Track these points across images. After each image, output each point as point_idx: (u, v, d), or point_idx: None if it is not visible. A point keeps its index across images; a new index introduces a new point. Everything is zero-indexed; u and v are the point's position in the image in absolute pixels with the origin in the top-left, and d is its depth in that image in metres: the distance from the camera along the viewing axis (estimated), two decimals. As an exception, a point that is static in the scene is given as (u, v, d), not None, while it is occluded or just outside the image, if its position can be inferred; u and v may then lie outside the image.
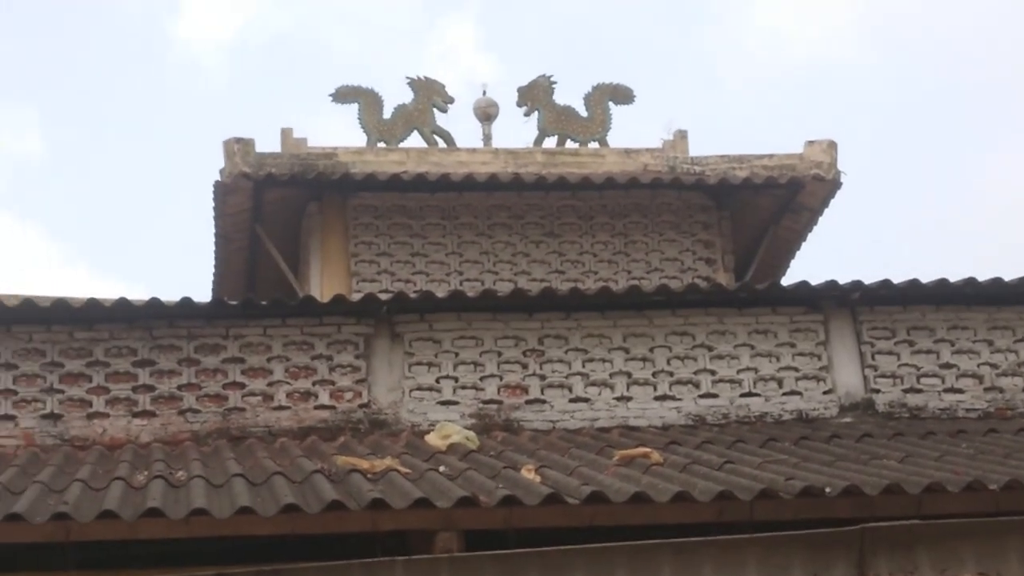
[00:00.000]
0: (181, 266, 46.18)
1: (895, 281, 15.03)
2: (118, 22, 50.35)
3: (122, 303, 14.10)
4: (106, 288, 47.72)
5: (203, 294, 20.10)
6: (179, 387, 14.13)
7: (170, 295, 14.33)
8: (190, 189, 50.81)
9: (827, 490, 10.78)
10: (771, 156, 19.11)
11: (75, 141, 50.64)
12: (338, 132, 38.89)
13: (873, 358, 15.12)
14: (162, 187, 50.39)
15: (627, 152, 19.61)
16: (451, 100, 19.94)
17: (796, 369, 15.00)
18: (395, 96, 19.77)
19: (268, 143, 18.61)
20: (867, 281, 15.03)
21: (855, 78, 50.99)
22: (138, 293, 17.11)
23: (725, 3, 51.22)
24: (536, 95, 20.04)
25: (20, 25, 50.87)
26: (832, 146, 19.02)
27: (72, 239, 50.98)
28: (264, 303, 14.49)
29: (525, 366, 14.70)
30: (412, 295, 15.22)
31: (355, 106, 19.64)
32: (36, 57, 50.85)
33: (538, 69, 21.00)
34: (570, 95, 20.16)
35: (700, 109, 44.66)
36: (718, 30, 51.16)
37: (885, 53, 51.39)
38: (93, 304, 14.11)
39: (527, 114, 20.01)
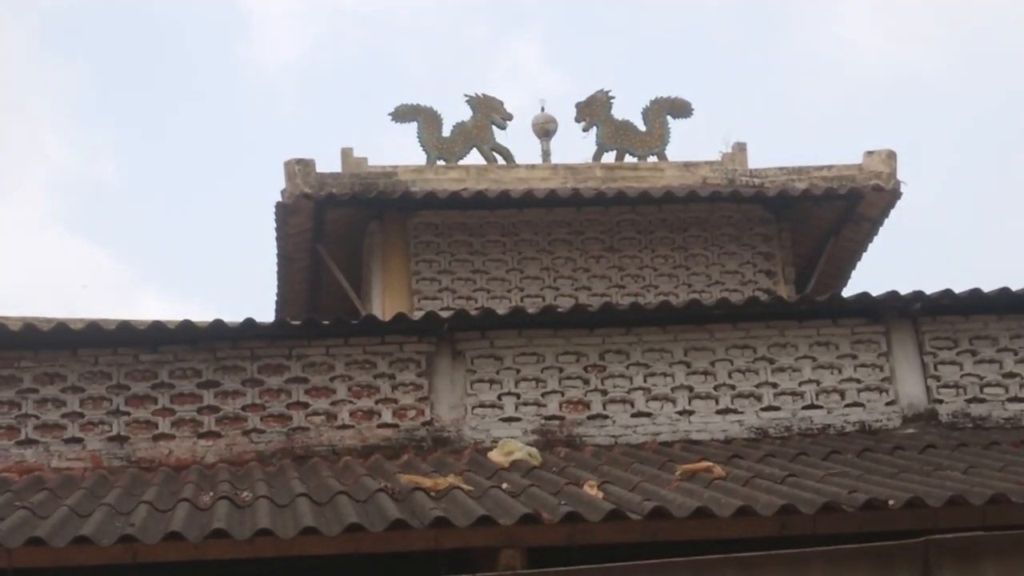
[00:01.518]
0: (250, 286, 46.59)
1: (957, 291, 14.97)
2: (188, 45, 50.88)
3: (186, 325, 14.23)
4: (174, 310, 48.32)
5: (269, 314, 20.31)
6: (243, 407, 14.22)
7: (239, 315, 14.45)
8: (259, 209, 51.20)
9: (890, 502, 10.74)
10: (830, 167, 19.08)
11: (146, 164, 51.19)
12: (404, 150, 39.10)
13: (935, 368, 15.06)
14: (231, 208, 50.83)
15: (686, 165, 19.62)
16: (510, 117, 20.01)
17: (858, 380, 14.95)
18: (454, 114, 19.88)
19: (330, 163, 18.77)
20: (928, 291, 14.98)
21: (925, 89, 50.81)
22: (206, 314, 17.26)
23: (797, 13, 51.15)
24: (594, 110, 20.08)
25: (93, 51, 51.52)
26: (891, 156, 18.96)
27: (142, 261, 51.47)
28: (326, 323, 14.56)
29: (587, 381, 14.71)
30: (473, 312, 15.25)
31: (415, 125, 19.73)
32: (110, 81, 51.47)
33: (603, 83, 20.98)
34: (628, 109, 20.22)
35: (768, 121, 44.68)
36: (789, 41, 51.11)
37: (956, 64, 51.23)
38: (157, 326, 14.24)
39: (585, 129, 20.04)
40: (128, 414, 14.06)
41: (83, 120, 52.64)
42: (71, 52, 51.55)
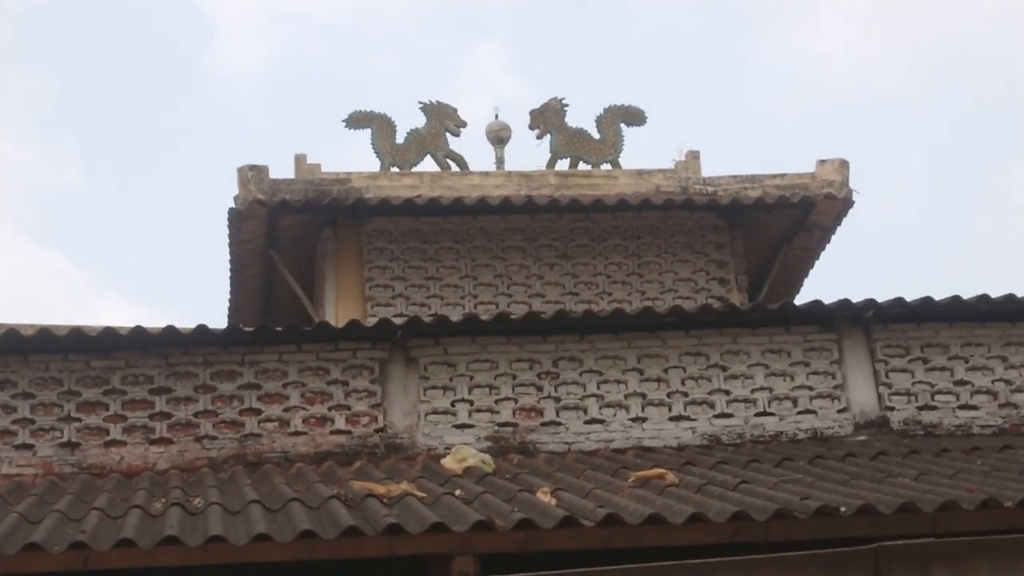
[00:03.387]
0: (209, 291, 46.54)
1: (908, 299, 15.06)
2: (153, 50, 50.82)
3: (138, 331, 14.16)
4: (137, 315, 48.29)
5: (223, 320, 20.26)
6: (195, 414, 14.16)
7: (201, 320, 14.40)
8: (219, 215, 51.17)
9: (842, 509, 10.78)
10: (783, 175, 19.14)
11: (110, 171, 51.09)
12: (361, 159, 39.17)
13: (887, 376, 15.14)
14: (194, 214, 50.82)
15: (639, 173, 19.65)
16: (463, 124, 20.00)
17: (810, 388, 15.02)
18: (411, 121, 19.85)
19: (286, 170, 18.72)
20: (880, 299, 15.05)
21: (885, 101, 51.09)
22: (170, 319, 17.20)
23: (761, 25, 51.36)
24: (548, 118, 20.09)
25: (58, 58, 51.35)
26: (844, 165, 19.03)
27: (105, 268, 51.46)
28: (279, 329, 14.53)
29: (540, 388, 14.73)
30: (427, 319, 15.24)
31: (369, 132, 19.70)
32: (75, 89, 51.33)
33: (564, 90, 21.00)
34: (583, 117, 20.25)
35: (728, 131, 44.85)
36: (751, 51, 51.27)
37: (916, 77, 51.56)
38: (109, 332, 14.17)
39: (539, 137, 20.04)
40: (79, 420, 13.99)
41: (47, 127, 52.53)
42: (35, 59, 51.38)
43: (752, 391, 14.95)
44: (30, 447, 13.85)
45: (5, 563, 10.07)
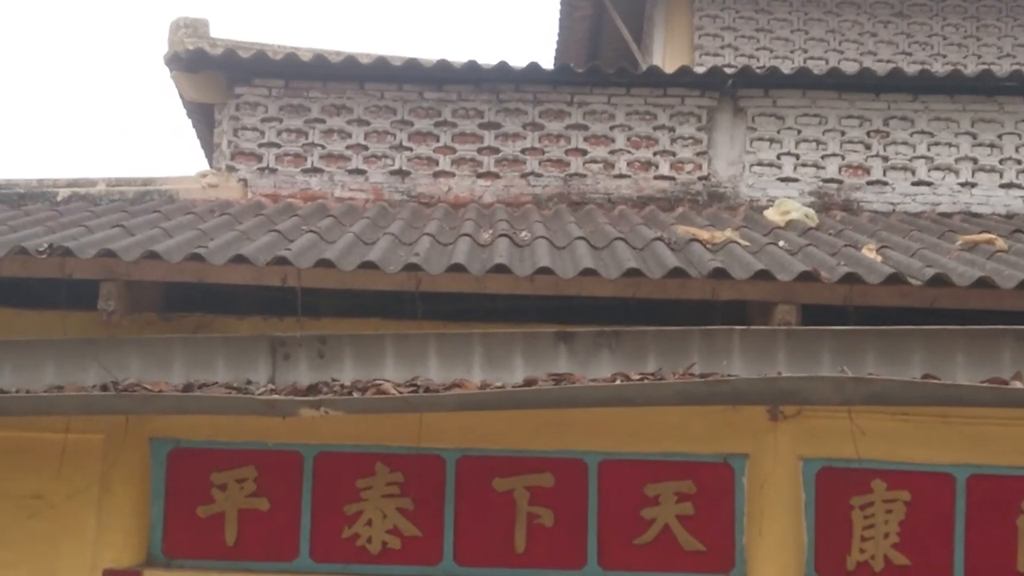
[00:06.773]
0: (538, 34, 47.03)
1: None
2: None
3: (471, 65, 14.33)
4: (468, 53, 49.29)
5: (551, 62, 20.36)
6: (522, 151, 14.36)
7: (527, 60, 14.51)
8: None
9: None
10: None
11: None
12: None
13: None
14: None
15: (984, -67, 18.92)
16: None
17: None
18: None
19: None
20: None
21: None
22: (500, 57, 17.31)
23: None
24: None
25: None
26: None
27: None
28: (610, 72, 14.55)
29: (868, 147, 14.50)
30: (758, 70, 15.06)
31: None
32: None
33: None
34: None
35: None
36: None
37: None
38: (443, 65, 14.37)
39: None
40: (410, 150, 14.31)
41: None
42: None
43: (1090, 163, 14.51)
44: (362, 172, 14.25)
45: (341, 278, 10.40)
